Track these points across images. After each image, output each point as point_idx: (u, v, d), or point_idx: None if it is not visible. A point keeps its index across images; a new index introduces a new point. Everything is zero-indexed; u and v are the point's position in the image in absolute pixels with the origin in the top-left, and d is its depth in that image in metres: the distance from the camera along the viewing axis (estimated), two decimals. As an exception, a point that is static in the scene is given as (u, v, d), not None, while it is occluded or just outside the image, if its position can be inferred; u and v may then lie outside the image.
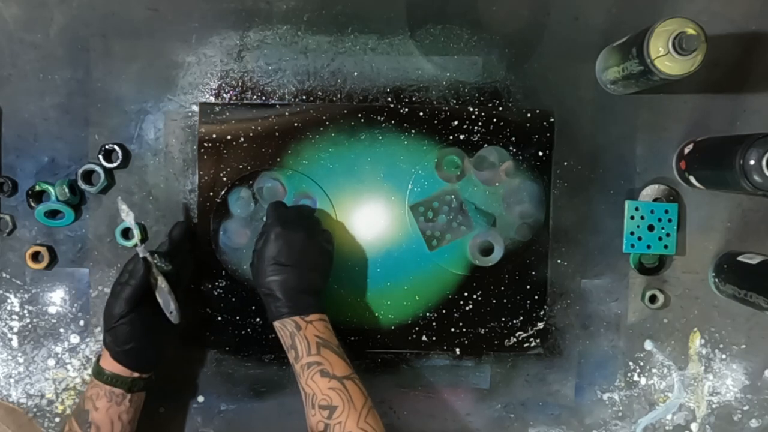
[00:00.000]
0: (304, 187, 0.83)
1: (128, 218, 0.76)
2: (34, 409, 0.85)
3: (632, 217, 0.83)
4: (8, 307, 0.84)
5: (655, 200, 0.84)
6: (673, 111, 0.84)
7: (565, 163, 0.84)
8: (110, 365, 0.73)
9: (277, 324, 0.74)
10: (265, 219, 0.80)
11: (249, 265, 0.78)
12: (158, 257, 0.75)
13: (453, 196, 0.83)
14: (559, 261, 0.85)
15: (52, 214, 0.82)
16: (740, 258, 0.82)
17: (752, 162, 0.69)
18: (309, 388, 0.70)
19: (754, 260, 0.80)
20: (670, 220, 0.83)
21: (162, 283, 0.74)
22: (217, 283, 0.83)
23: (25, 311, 0.84)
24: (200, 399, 0.86)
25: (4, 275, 0.84)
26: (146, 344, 0.74)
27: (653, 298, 0.85)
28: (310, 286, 0.74)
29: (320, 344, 0.72)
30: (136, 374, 0.74)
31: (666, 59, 0.70)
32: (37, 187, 0.82)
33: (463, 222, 0.83)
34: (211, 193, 0.82)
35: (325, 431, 0.68)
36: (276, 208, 0.78)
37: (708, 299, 0.86)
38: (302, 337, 0.72)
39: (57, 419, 0.85)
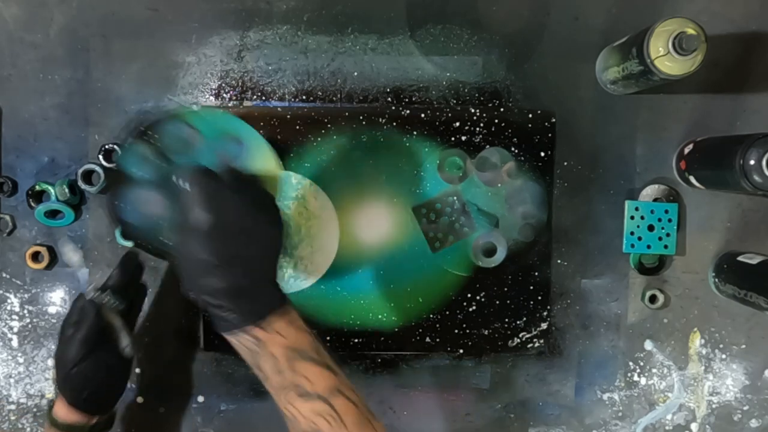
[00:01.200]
0: (222, 126, 0.69)
1: (75, 258, 0.74)
2: (34, 409, 0.85)
3: (632, 217, 0.83)
4: (8, 307, 0.84)
5: (655, 200, 0.84)
6: (673, 111, 0.84)
7: (565, 163, 0.84)
8: (66, 414, 0.69)
9: (229, 337, 0.58)
10: (181, 197, 0.59)
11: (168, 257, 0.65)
12: (109, 296, 0.71)
13: (455, 198, 0.83)
14: (559, 261, 0.85)
15: (52, 214, 0.82)
16: (740, 258, 0.82)
17: (752, 162, 0.69)
18: (289, 413, 0.56)
19: (754, 260, 0.80)
20: (670, 220, 0.83)
21: (114, 320, 0.71)
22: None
23: (25, 311, 0.84)
24: (200, 399, 0.86)
25: (4, 275, 0.84)
26: (105, 386, 0.71)
27: (653, 298, 0.85)
28: (262, 278, 0.58)
29: (292, 358, 0.56)
30: (95, 419, 0.70)
31: (666, 59, 0.70)
32: (37, 187, 0.82)
33: (465, 223, 0.83)
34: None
35: None
36: (196, 184, 0.58)
37: (708, 299, 0.86)
38: (268, 356, 0.56)
39: (57, 419, 0.85)
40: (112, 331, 0.71)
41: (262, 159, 0.72)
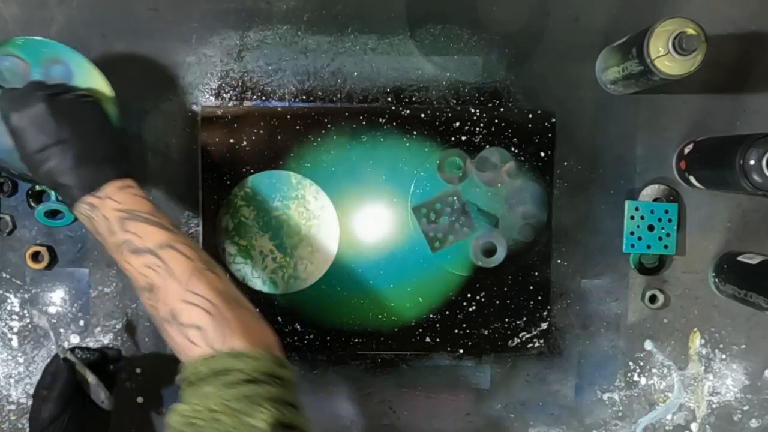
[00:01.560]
0: (47, 53, 0.72)
1: (41, 322, 0.74)
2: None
3: (632, 217, 0.83)
4: (8, 307, 0.84)
5: (655, 200, 0.84)
6: (673, 111, 0.84)
7: (565, 163, 0.84)
8: None
9: (74, 212, 0.63)
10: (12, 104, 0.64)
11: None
12: (80, 351, 0.73)
13: (455, 198, 0.83)
14: (559, 261, 0.85)
15: (52, 214, 0.82)
16: (740, 258, 0.82)
17: (752, 162, 0.69)
18: (126, 270, 0.60)
19: (754, 260, 0.80)
20: (670, 220, 0.83)
21: (89, 376, 0.71)
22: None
23: (25, 311, 0.84)
24: (200, 399, 0.86)
25: (4, 275, 0.84)
26: None
27: (653, 298, 0.85)
28: (92, 155, 0.62)
29: (124, 218, 0.60)
30: None
31: (666, 59, 0.70)
32: (37, 187, 0.82)
33: (465, 223, 0.83)
34: (215, 197, 0.82)
35: (157, 313, 0.58)
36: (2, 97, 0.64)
37: (708, 299, 0.86)
38: (101, 218, 0.60)
39: (57, 419, 0.85)
40: (88, 386, 0.72)
41: (88, 78, 0.73)
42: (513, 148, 0.83)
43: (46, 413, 0.68)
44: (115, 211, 0.60)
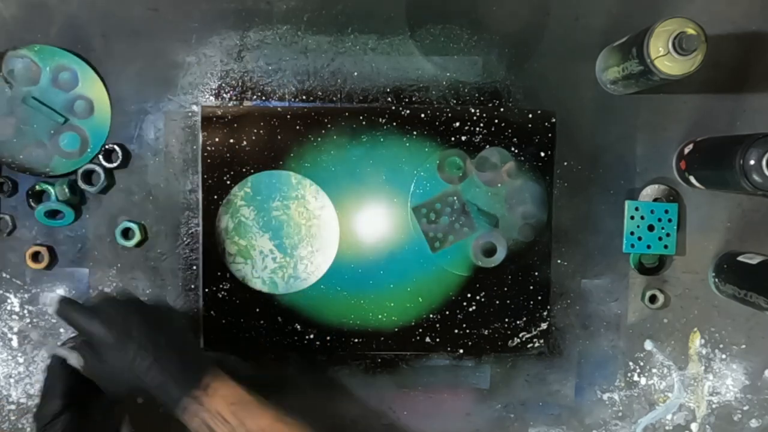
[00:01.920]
0: (58, 60, 0.80)
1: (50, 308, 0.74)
2: (34, 409, 0.85)
3: (632, 217, 0.83)
4: (8, 307, 0.84)
5: (655, 200, 0.84)
6: (673, 111, 0.84)
7: (565, 163, 0.84)
8: None
9: (184, 418, 0.65)
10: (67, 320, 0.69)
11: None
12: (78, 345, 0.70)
13: (455, 198, 0.83)
14: (559, 261, 0.85)
15: (52, 214, 0.82)
16: (740, 258, 0.82)
17: (752, 162, 0.69)
18: None
19: (754, 260, 0.80)
20: (670, 220, 0.83)
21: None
22: (220, 286, 0.83)
23: (25, 311, 0.84)
24: (200, 399, 0.86)
25: (4, 275, 0.84)
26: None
27: (653, 298, 0.85)
28: (176, 350, 0.66)
29: (236, 411, 0.64)
30: None
31: (666, 59, 0.70)
32: (37, 187, 0.82)
33: (465, 223, 0.83)
34: (215, 197, 0.82)
35: None
36: (82, 320, 0.67)
37: (708, 299, 0.86)
38: (217, 418, 0.63)
39: (57, 419, 0.85)
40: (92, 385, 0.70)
41: (92, 87, 0.81)
42: (513, 148, 0.83)
43: (48, 409, 0.68)
44: (227, 405, 0.64)
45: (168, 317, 0.70)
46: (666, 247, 0.83)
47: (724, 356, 0.87)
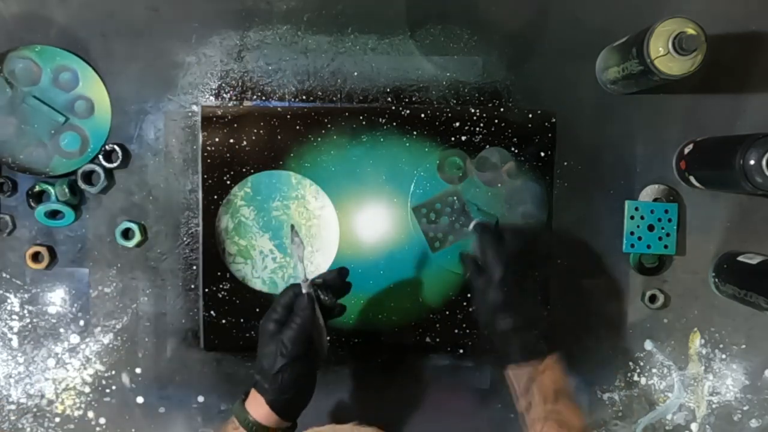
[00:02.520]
0: (59, 60, 0.81)
1: (297, 250, 0.70)
2: (34, 409, 0.85)
3: (632, 217, 0.83)
4: (8, 307, 0.84)
5: (655, 200, 0.84)
6: (673, 111, 0.84)
7: (565, 163, 0.84)
8: (260, 413, 0.66)
9: (510, 371, 0.71)
10: (476, 253, 0.75)
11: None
12: (322, 292, 0.69)
13: (455, 198, 0.83)
14: (559, 261, 0.85)
15: (52, 214, 0.82)
16: (740, 258, 0.82)
17: (752, 162, 0.69)
18: None
19: (754, 260, 0.80)
20: (670, 220, 0.83)
21: (320, 319, 0.68)
22: (221, 286, 0.83)
23: (25, 311, 0.84)
24: (200, 399, 0.86)
25: (4, 275, 0.84)
26: (306, 391, 0.69)
27: (653, 298, 0.85)
28: (539, 327, 0.71)
29: (557, 392, 0.67)
30: (286, 424, 0.68)
31: (666, 59, 0.70)
32: (37, 187, 0.82)
33: (465, 223, 0.83)
34: (215, 197, 0.82)
35: None
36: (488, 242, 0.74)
37: (708, 299, 0.86)
38: (540, 384, 0.68)
39: (57, 419, 0.85)
40: (317, 329, 0.68)
41: (92, 87, 0.82)
42: (513, 148, 0.83)
43: (282, 351, 0.66)
44: (551, 382, 0.68)
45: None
46: (666, 247, 0.83)
47: (724, 356, 0.87)
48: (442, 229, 0.83)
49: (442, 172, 0.82)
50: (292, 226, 0.73)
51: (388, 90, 0.84)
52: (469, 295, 0.84)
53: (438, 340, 0.84)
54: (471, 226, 0.81)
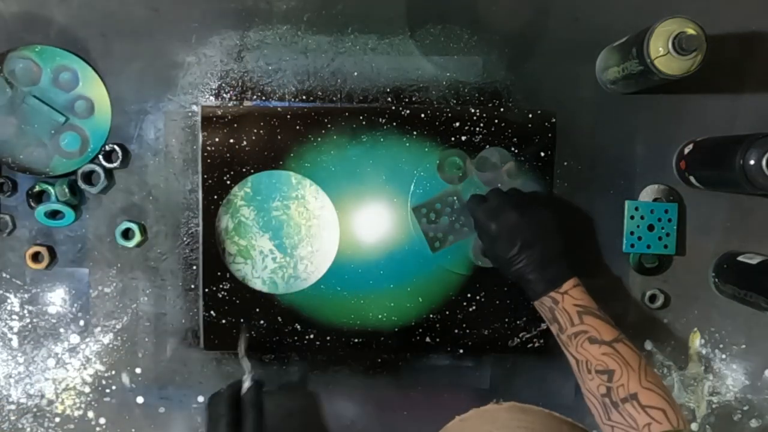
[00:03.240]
0: (59, 60, 0.81)
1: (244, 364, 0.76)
2: (34, 409, 0.85)
3: (632, 217, 0.83)
4: (8, 307, 0.84)
5: (655, 200, 0.84)
6: (673, 111, 0.84)
7: (565, 163, 0.84)
8: None
9: (535, 303, 0.74)
10: (470, 211, 0.79)
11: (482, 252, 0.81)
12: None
13: (455, 198, 0.83)
14: (559, 261, 0.85)
15: (52, 214, 0.82)
16: (740, 258, 0.82)
17: (752, 162, 0.69)
18: (580, 355, 0.70)
19: (754, 260, 0.80)
20: (670, 220, 0.83)
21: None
22: (220, 286, 0.83)
23: (25, 311, 0.84)
24: (200, 399, 0.86)
25: (4, 275, 0.84)
26: None
27: (653, 298, 0.85)
28: (553, 255, 0.73)
29: (581, 312, 0.71)
30: None
31: (666, 59, 0.70)
32: (37, 187, 0.82)
33: (465, 223, 0.83)
34: (215, 197, 0.82)
35: (608, 393, 0.68)
36: (495, 196, 0.76)
37: (708, 299, 0.86)
38: (562, 311, 0.71)
39: (57, 419, 0.85)
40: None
41: (92, 87, 0.82)
42: (513, 148, 0.83)
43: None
44: (573, 306, 0.71)
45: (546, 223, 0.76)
46: (666, 247, 0.83)
47: (724, 356, 0.87)
48: (442, 229, 0.83)
49: (442, 172, 0.82)
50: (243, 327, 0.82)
51: (388, 90, 0.84)
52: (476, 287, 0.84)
53: (438, 340, 0.84)
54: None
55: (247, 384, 0.74)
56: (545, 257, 0.73)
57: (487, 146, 0.82)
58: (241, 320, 0.83)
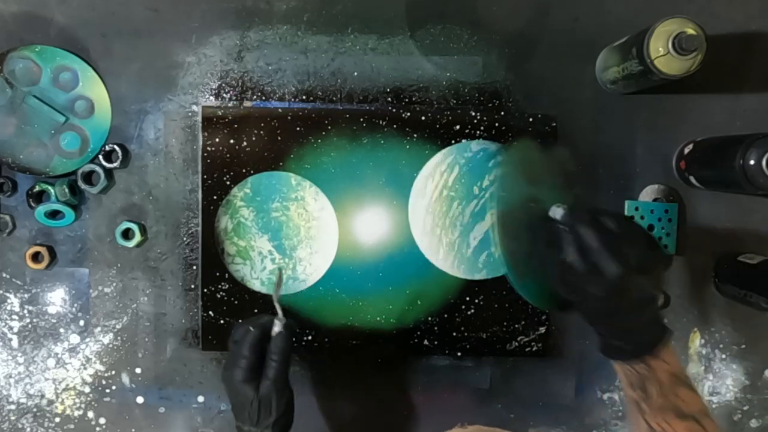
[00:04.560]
0: (59, 60, 0.81)
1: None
2: (34, 409, 0.85)
3: (632, 217, 0.83)
4: (8, 307, 0.84)
5: (655, 200, 0.84)
6: (673, 111, 0.84)
7: (565, 163, 0.84)
8: None
9: (619, 365, 0.64)
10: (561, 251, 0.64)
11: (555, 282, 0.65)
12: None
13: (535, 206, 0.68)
14: (559, 261, 0.85)
15: (52, 214, 0.82)
16: (740, 258, 0.82)
17: (752, 162, 0.69)
18: (660, 428, 0.62)
19: (754, 260, 0.80)
20: (670, 220, 0.83)
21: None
22: (219, 286, 0.83)
23: (25, 311, 0.84)
24: (200, 399, 0.86)
25: (4, 275, 0.84)
26: (291, 415, 0.70)
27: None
28: (649, 316, 0.63)
29: (675, 383, 0.62)
30: None
31: (666, 59, 0.70)
32: (37, 187, 0.82)
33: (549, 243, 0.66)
34: (215, 197, 0.82)
35: None
36: (604, 235, 0.62)
37: (708, 299, 0.86)
38: (654, 380, 0.62)
39: (57, 419, 0.85)
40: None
41: (92, 87, 0.82)
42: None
43: (280, 398, 0.67)
44: (668, 374, 0.62)
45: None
46: (666, 247, 0.83)
47: (724, 356, 0.87)
48: (525, 249, 0.69)
49: (522, 167, 0.70)
50: (280, 270, 0.76)
51: (388, 90, 0.84)
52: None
53: (436, 342, 0.84)
54: (555, 213, 0.65)
55: (276, 329, 0.68)
56: (654, 311, 0.65)
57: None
58: (280, 267, 0.80)
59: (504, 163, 0.72)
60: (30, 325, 0.84)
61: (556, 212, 0.65)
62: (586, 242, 0.62)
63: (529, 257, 0.68)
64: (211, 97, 0.83)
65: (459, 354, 0.85)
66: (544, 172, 0.71)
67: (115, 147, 0.82)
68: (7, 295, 0.84)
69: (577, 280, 0.62)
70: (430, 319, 0.84)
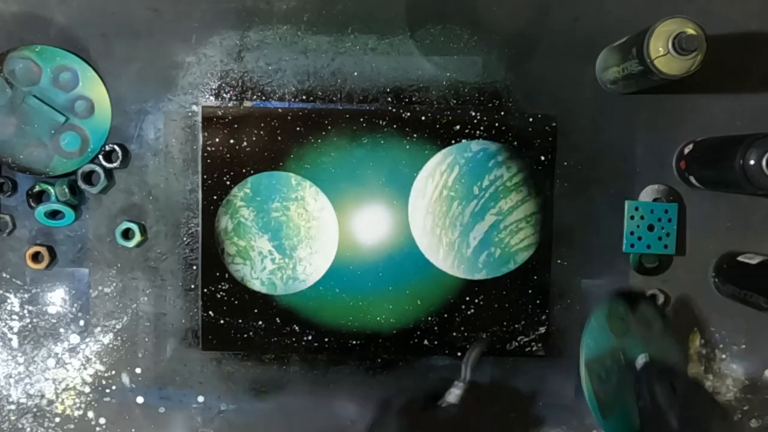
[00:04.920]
0: (59, 60, 0.81)
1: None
2: (34, 409, 0.85)
3: (632, 217, 0.83)
4: (8, 307, 0.84)
5: (655, 200, 0.84)
6: (673, 111, 0.84)
7: (565, 164, 0.84)
8: None
9: None
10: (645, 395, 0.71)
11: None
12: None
13: (622, 354, 0.76)
14: (559, 261, 0.85)
15: (52, 214, 0.82)
16: (740, 258, 0.82)
17: (752, 162, 0.69)
18: None
19: (754, 260, 0.80)
20: (670, 220, 0.83)
21: None
22: (219, 286, 0.83)
23: (25, 311, 0.84)
24: (200, 399, 0.86)
25: (4, 275, 0.84)
26: None
27: (653, 298, 0.85)
28: None
29: None
30: None
31: (666, 59, 0.70)
32: (37, 187, 0.82)
33: (628, 385, 0.74)
34: (215, 197, 0.82)
35: None
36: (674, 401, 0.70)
37: (708, 299, 0.86)
38: None
39: (57, 419, 0.85)
40: None
41: (92, 87, 0.82)
42: (513, 151, 0.82)
43: None
44: None
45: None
46: (666, 247, 0.83)
47: (724, 356, 0.87)
48: (611, 390, 0.75)
49: (610, 321, 0.77)
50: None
51: (388, 90, 0.84)
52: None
53: (436, 342, 0.84)
54: (638, 364, 0.74)
55: (452, 397, 0.77)
56: None
57: (645, 296, 0.81)
58: (482, 336, 0.83)
59: (594, 316, 0.78)
60: (30, 325, 0.84)
61: (639, 363, 0.74)
62: (657, 399, 0.70)
63: (614, 399, 0.75)
64: (211, 97, 0.83)
65: (459, 354, 0.85)
66: (630, 327, 0.77)
67: (115, 147, 0.82)
68: (7, 295, 0.84)
69: (649, 427, 0.70)
70: (430, 319, 0.84)
